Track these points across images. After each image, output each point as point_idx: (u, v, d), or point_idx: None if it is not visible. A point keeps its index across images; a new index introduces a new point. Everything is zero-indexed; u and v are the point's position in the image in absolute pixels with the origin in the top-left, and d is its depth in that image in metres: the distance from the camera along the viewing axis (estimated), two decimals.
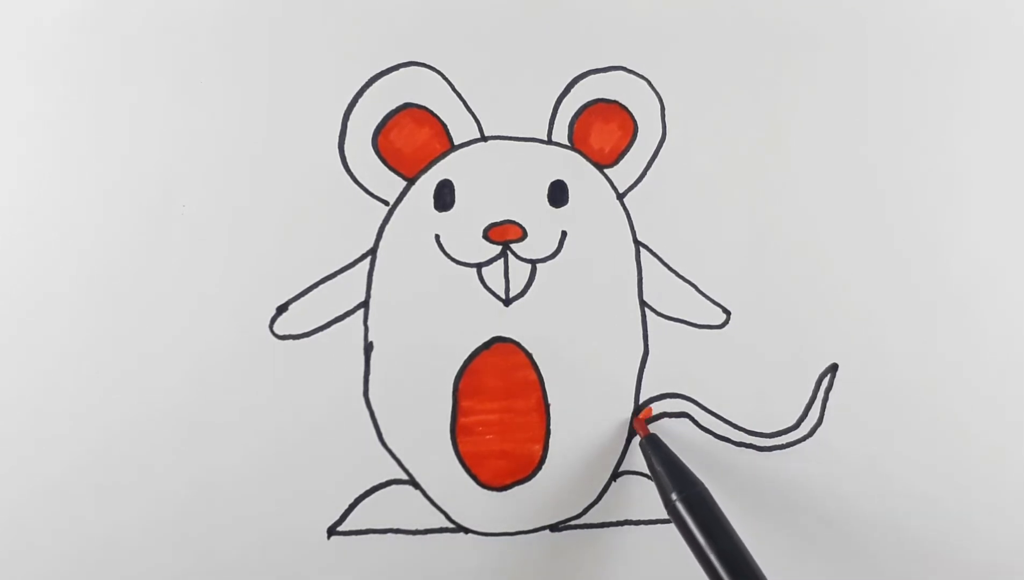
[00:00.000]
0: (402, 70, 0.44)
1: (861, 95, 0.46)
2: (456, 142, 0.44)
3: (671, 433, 0.45)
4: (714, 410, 0.45)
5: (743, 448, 0.45)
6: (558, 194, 0.45)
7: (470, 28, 0.44)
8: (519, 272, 0.44)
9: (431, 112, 0.44)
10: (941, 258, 0.46)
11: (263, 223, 0.43)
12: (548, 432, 0.44)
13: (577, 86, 0.45)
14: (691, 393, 0.45)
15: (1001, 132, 0.46)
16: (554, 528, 0.45)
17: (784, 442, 0.45)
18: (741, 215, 0.45)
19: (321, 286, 0.44)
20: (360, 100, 0.44)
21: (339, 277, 0.44)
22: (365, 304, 0.44)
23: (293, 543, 0.43)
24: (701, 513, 0.40)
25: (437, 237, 0.44)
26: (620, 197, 0.45)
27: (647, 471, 0.45)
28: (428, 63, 0.44)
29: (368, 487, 0.44)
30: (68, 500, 0.43)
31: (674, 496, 0.41)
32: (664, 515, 0.45)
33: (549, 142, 0.45)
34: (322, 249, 0.44)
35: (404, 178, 0.44)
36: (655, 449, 0.43)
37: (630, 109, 0.45)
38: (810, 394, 0.45)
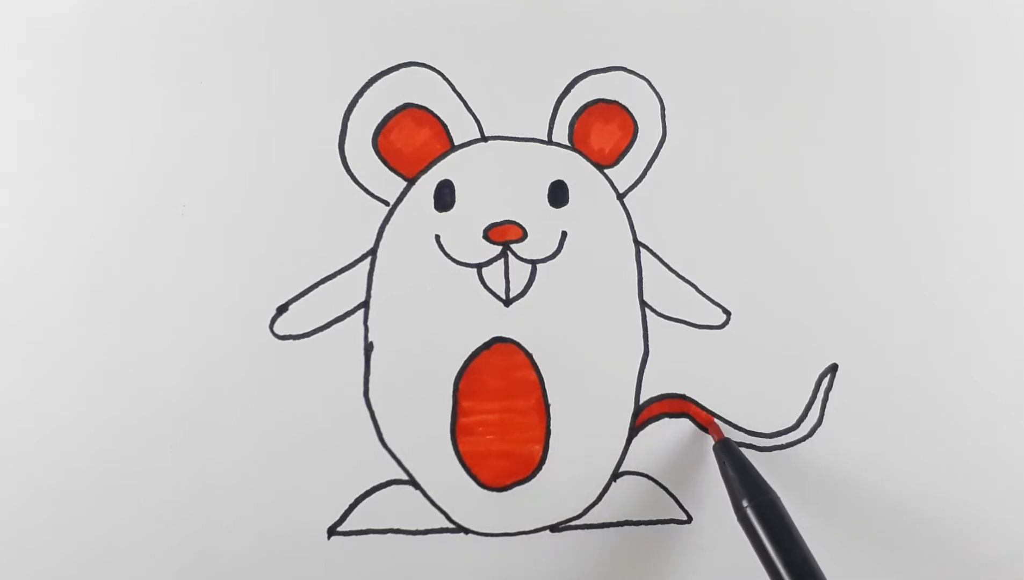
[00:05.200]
0: (402, 70, 0.44)
1: (862, 95, 0.46)
2: (456, 142, 0.44)
3: (671, 433, 0.45)
4: (714, 410, 0.45)
5: (743, 448, 0.45)
6: (558, 194, 0.45)
7: (470, 28, 0.44)
8: (519, 272, 0.44)
9: (431, 112, 0.44)
10: (941, 258, 0.46)
11: (263, 223, 0.43)
12: (548, 432, 0.44)
13: (577, 86, 0.45)
14: (691, 393, 0.45)
15: (1003, 134, 0.46)
16: (554, 528, 0.44)
17: (784, 442, 0.45)
18: (741, 215, 0.45)
19: (321, 286, 0.44)
20: (360, 100, 0.44)
21: (339, 277, 0.44)
22: (365, 304, 0.44)
23: (293, 543, 0.43)
24: (772, 522, 0.40)
25: (437, 237, 0.44)
26: (620, 197, 0.45)
27: (647, 471, 0.45)
28: (428, 63, 0.44)
29: (368, 487, 0.44)
30: (68, 499, 0.43)
31: (745, 503, 0.41)
32: (664, 516, 0.45)
33: (549, 142, 0.45)
34: (322, 249, 0.44)
35: (404, 178, 0.44)
36: (728, 454, 0.43)
37: (630, 109, 0.45)
38: (810, 394, 0.45)
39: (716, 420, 0.44)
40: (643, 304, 0.45)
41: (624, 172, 0.45)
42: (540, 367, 0.44)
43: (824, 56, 0.46)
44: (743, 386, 0.45)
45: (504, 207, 0.44)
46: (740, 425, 0.45)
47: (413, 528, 0.44)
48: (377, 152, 0.44)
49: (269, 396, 0.43)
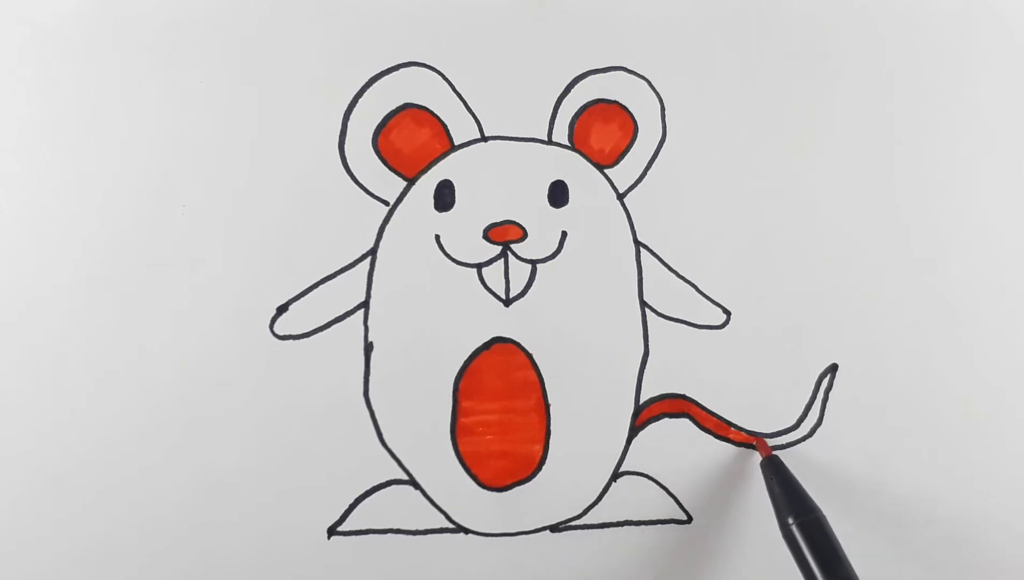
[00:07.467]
0: (402, 70, 0.44)
1: (863, 94, 0.46)
2: (456, 142, 0.44)
3: (671, 433, 0.45)
4: (714, 410, 0.45)
5: (743, 448, 0.45)
6: (558, 194, 0.45)
7: (470, 28, 0.44)
8: (519, 272, 0.44)
9: (431, 112, 0.44)
10: (942, 257, 0.46)
11: (263, 223, 0.43)
12: (548, 432, 0.44)
13: (577, 86, 0.45)
14: (691, 393, 0.45)
15: (1006, 133, 0.46)
16: (554, 528, 0.44)
17: (784, 442, 0.45)
18: (741, 215, 0.45)
19: (321, 286, 0.44)
20: (360, 100, 0.44)
21: (339, 277, 0.44)
22: (365, 304, 0.44)
23: (293, 543, 0.43)
24: (817, 540, 0.40)
25: (437, 237, 0.44)
26: (620, 197, 0.45)
27: (647, 471, 0.45)
28: (428, 63, 0.44)
29: (368, 487, 0.44)
30: (67, 497, 0.43)
31: (791, 520, 0.40)
32: (664, 516, 0.45)
33: (549, 142, 0.45)
34: (322, 249, 0.44)
35: (404, 178, 0.44)
36: (775, 471, 0.42)
37: (630, 109, 0.45)
38: (810, 394, 0.45)
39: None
40: (643, 304, 0.45)
41: (624, 172, 0.45)
42: (540, 367, 0.44)
43: (825, 55, 0.46)
44: (743, 386, 0.45)
45: (504, 207, 0.44)
46: (740, 425, 0.45)
47: (413, 528, 0.44)
48: (377, 152, 0.44)
49: (269, 396, 0.43)
